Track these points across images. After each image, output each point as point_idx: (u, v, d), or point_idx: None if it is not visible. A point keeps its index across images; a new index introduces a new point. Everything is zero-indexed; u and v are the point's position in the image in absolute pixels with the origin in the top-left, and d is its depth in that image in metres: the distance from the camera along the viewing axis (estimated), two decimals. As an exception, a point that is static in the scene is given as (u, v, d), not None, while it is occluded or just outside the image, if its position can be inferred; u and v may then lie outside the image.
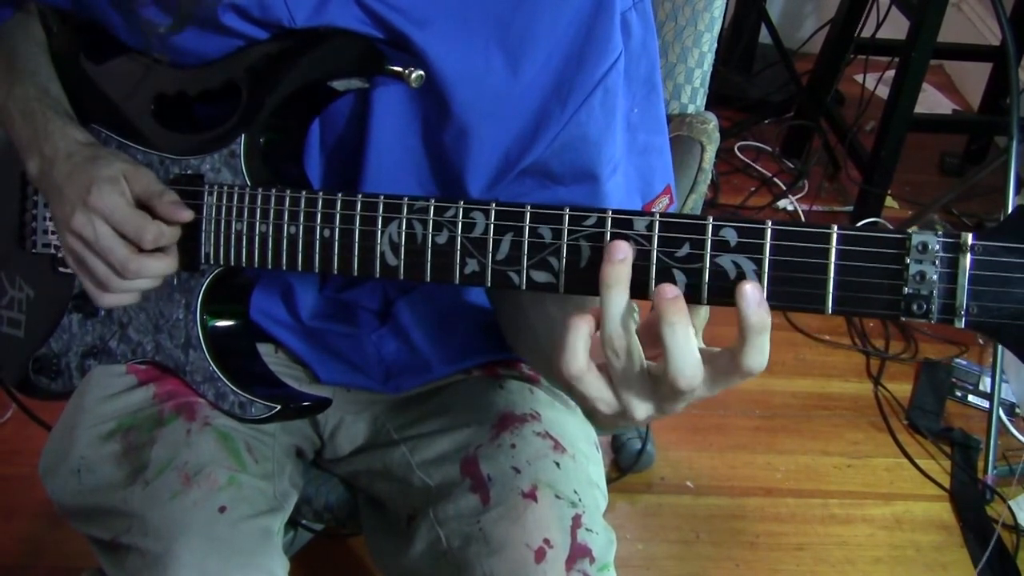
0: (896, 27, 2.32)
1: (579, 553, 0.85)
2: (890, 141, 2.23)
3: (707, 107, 1.21)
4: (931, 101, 2.98)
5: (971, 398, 2.01)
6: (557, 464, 0.90)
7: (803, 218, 2.48)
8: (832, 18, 2.54)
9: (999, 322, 0.57)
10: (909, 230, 0.57)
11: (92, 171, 0.82)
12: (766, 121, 2.77)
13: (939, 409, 1.97)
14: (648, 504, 1.76)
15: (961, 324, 0.57)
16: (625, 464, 1.78)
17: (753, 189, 2.55)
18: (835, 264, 0.59)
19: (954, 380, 2.04)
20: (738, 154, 2.68)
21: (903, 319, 0.58)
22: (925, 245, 0.57)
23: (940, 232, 0.57)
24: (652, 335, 0.61)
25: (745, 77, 2.91)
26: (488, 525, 0.86)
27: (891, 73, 2.26)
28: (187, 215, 0.83)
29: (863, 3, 2.41)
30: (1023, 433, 1.92)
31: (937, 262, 0.57)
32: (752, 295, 0.58)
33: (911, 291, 0.58)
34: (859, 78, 2.74)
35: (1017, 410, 1.99)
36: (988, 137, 2.70)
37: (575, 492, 0.89)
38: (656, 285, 0.62)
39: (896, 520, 1.76)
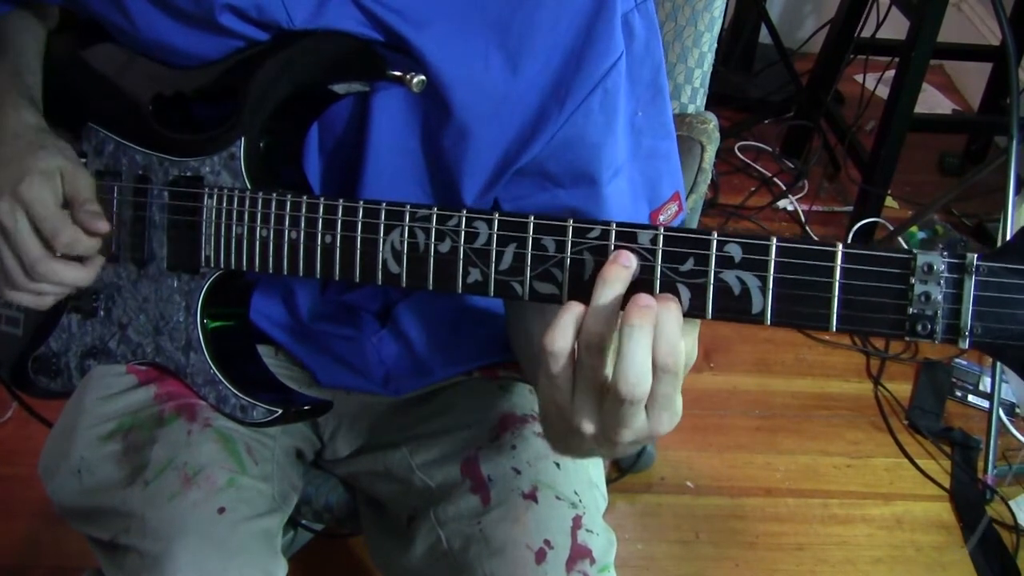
0: (896, 27, 2.32)
1: (579, 554, 0.85)
2: (890, 141, 2.23)
3: (707, 107, 1.21)
4: (931, 101, 2.98)
5: (971, 398, 2.01)
6: (557, 465, 0.90)
7: (803, 218, 2.48)
8: (832, 18, 2.54)
9: (1002, 343, 0.57)
10: (914, 250, 0.57)
11: (31, 161, 0.82)
12: (766, 121, 2.77)
13: (939, 409, 1.97)
14: (648, 504, 1.76)
15: (965, 344, 0.57)
16: (625, 464, 1.78)
17: (753, 189, 2.55)
18: (840, 283, 0.59)
19: (954, 380, 2.04)
20: (738, 154, 2.68)
21: (907, 339, 0.58)
22: (930, 266, 0.57)
23: (945, 253, 0.57)
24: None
25: (745, 77, 2.91)
26: (489, 526, 0.86)
27: (891, 73, 2.26)
28: (103, 227, 0.83)
29: (863, 3, 2.41)
30: (1023, 433, 1.92)
31: (942, 283, 0.57)
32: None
33: (916, 311, 0.57)
34: (859, 78, 2.74)
35: (1017, 410, 1.99)
36: (988, 137, 2.69)
37: (575, 493, 0.89)
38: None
39: (896, 520, 1.76)
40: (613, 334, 0.61)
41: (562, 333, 0.61)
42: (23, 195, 0.80)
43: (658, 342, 0.58)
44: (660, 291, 0.63)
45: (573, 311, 0.61)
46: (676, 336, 0.59)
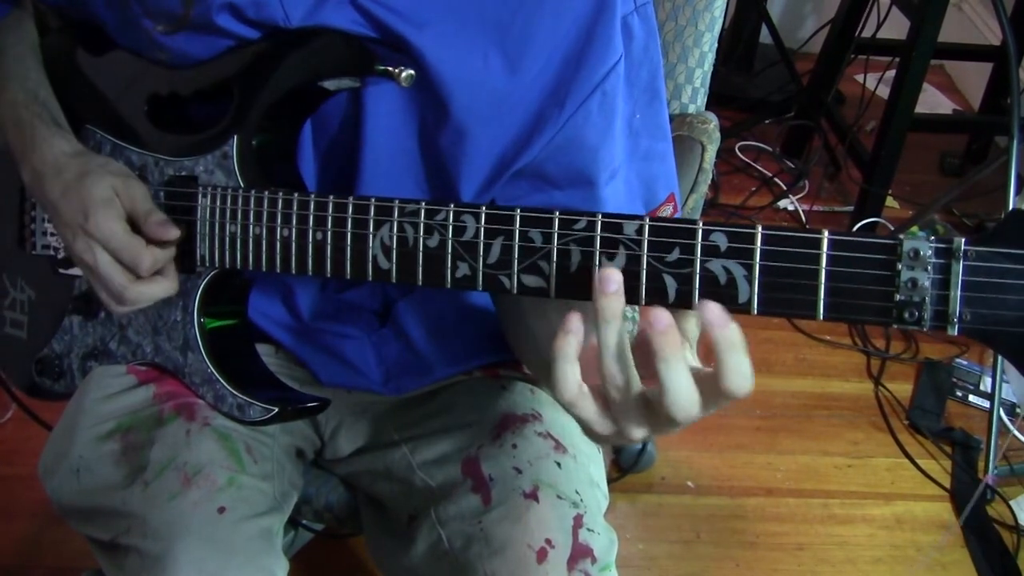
0: (896, 27, 2.32)
1: (581, 553, 0.85)
2: (890, 141, 2.23)
3: (707, 107, 1.21)
4: (931, 101, 2.98)
5: (972, 398, 2.01)
6: (558, 464, 0.90)
7: (804, 218, 2.48)
8: (832, 18, 2.54)
9: (993, 329, 0.56)
10: (901, 236, 0.56)
11: (84, 192, 0.81)
12: (766, 121, 2.77)
13: (940, 409, 1.97)
14: (648, 504, 1.76)
15: (954, 331, 0.56)
16: (626, 464, 1.78)
17: (753, 189, 2.55)
18: (826, 270, 0.58)
19: (955, 380, 2.04)
20: (739, 154, 2.68)
21: (895, 327, 0.57)
22: (917, 251, 0.56)
23: (931, 238, 0.56)
24: (647, 354, 0.59)
25: (745, 77, 2.91)
26: (490, 525, 0.86)
27: (891, 73, 2.26)
28: (174, 233, 0.82)
29: (863, 3, 2.41)
30: (1023, 433, 1.92)
31: (929, 268, 0.56)
32: (714, 316, 0.56)
33: (903, 298, 0.56)
34: (859, 78, 2.74)
35: (1018, 410, 1.99)
36: (988, 137, 2.69)
37: (576, 492, 0.89)
38: (646, 290, 0.62)
39: (896, 520, 1.76)
40: (632, 364, 0.59)
41: (564, 383, 0.60)
42: (93, 232, 0.80)
43: (732, 378, 0.56)
44: (646, 281, 0.62)
45: (567, 357, 0.60)
46: (746, 367, 0.56)
